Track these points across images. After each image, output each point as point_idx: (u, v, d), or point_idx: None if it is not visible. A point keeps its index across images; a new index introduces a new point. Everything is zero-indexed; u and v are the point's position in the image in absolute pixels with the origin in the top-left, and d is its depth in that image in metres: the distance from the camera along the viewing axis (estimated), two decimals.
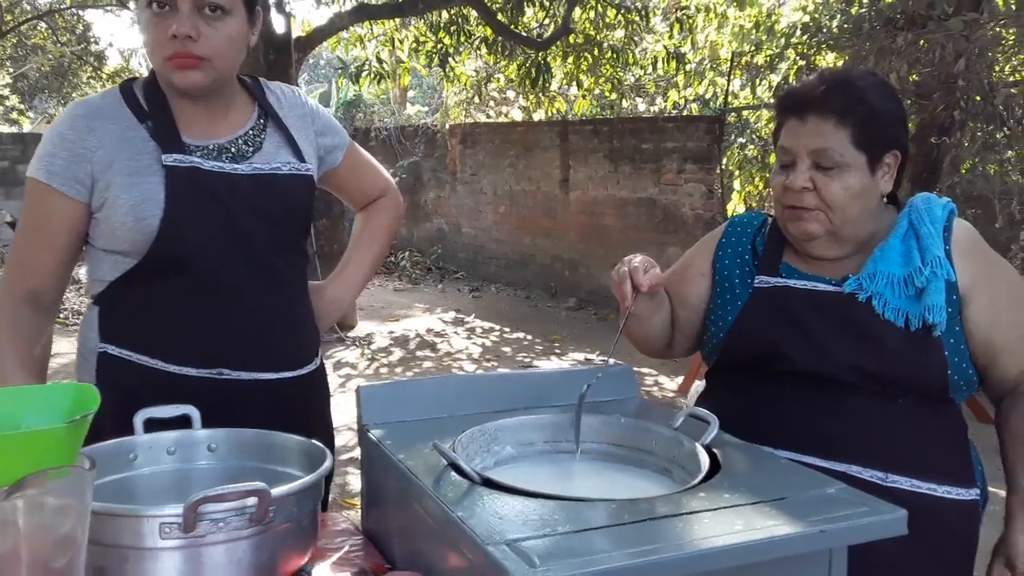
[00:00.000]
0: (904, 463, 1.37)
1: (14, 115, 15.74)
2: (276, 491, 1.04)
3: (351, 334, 7.52)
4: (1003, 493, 1.45)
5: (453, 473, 1.08)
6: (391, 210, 1.85)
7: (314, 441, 1.25)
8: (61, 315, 7.72)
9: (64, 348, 6.64)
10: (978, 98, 5.32)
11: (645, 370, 6.24)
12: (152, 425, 1.29)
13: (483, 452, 1.25)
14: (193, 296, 1.49)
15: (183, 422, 1.31)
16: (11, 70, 14.13)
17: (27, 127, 16.51)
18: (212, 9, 1.43)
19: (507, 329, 7.88)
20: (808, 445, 1.37)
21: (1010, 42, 5.65)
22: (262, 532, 1.05)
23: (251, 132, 1.57)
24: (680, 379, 5.91)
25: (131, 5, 11.85)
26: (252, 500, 1.02)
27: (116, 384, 1.46)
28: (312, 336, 1.67)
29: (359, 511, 1.38)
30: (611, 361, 1.42)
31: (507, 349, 7.14)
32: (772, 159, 8.02)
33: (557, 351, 7.06)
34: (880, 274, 1.41)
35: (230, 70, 1.51)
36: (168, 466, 1.27)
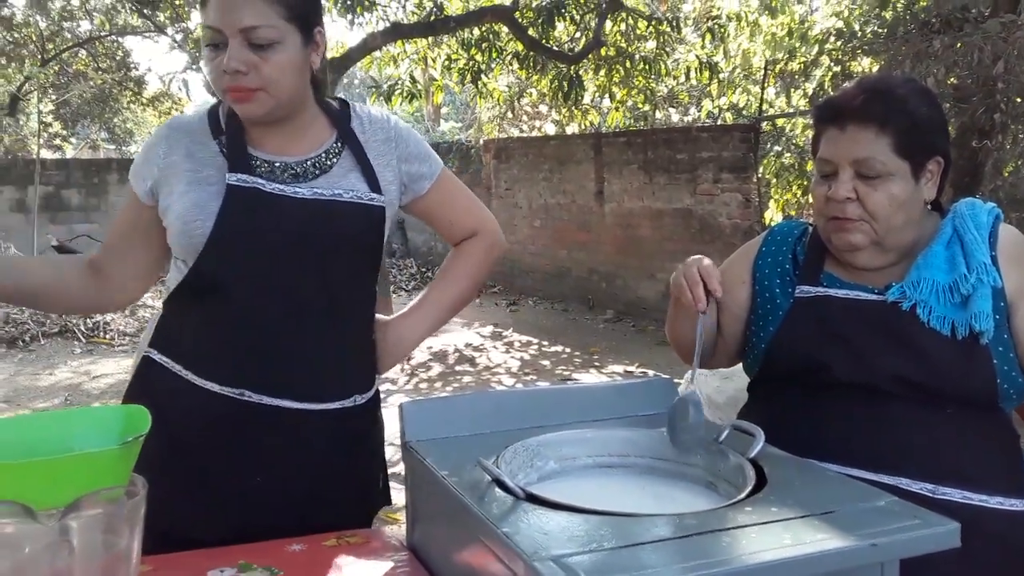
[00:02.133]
0: (954, 474, 1.34)
1: (57, 141, 16.08)
2: None
3: None
4: None
5: (497, 489, 1.08)
6: (480, 252, 1.74)
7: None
8: (107, 336, 7.85)
9: (111, 368, 6.78)
10: (1018, 100, 5.24)
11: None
12: None
13: (526, 467, 1.25)
14: (228, 314, 1.50)
15: None
16: (54, 97, 14.45)
17: (70, 153, 16.85)
18: (259, 44, 1.44)
19: (545, 343, 7.88)
20: (855, 458, 1.35)
21: None
22: None
23: (324, 154, 1.56)
24: None
25: (168, 31, 12.09)
26: None
27: (149, 387, 1.53)
28: (361, 371, 1.61)
29: (403, 526, 1.39)
30: (694, 378, 1.39)
31: (546, 363, 7.13)
32: (809, 166, 7.95)
33: (596, 364, 7.04)
34: (924, 282, 1.39)
35: (289, 97, 1.50)
36: None
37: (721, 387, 3.13)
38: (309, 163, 1.54)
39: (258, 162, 1.52)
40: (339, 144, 1.58)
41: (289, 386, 1.51)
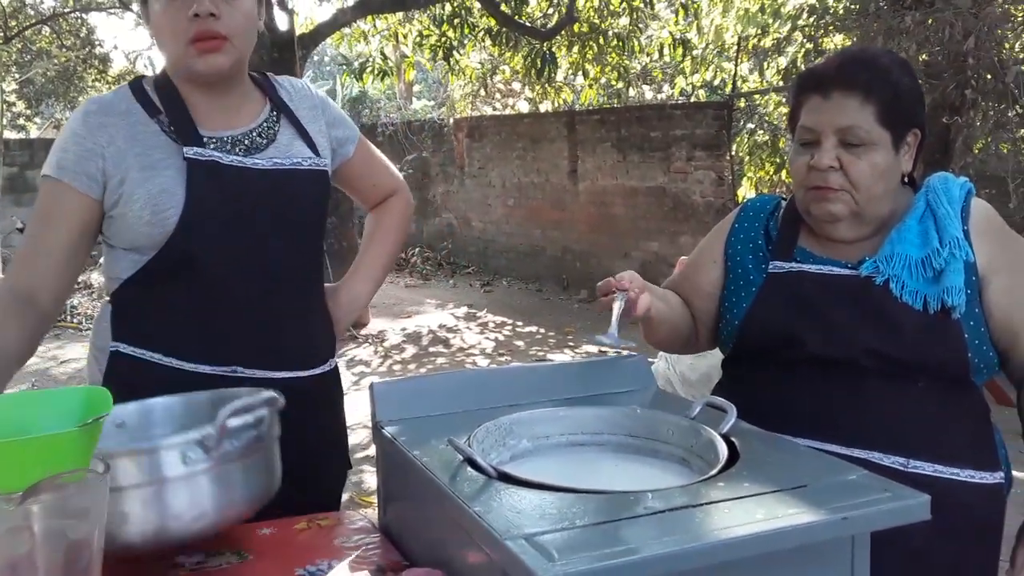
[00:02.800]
0: (926, 448, 1.35)
1: (21, 121, 15.78)
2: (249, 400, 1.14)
3: (364, 332, 7.54)
4: None
5: (469, 468, 1.07)
6: (402, 208, 1.82)
7: (266, 389, 1.23)
8: (74, 320, 7.75)
9: (79, 353, 6.68)
10: (989, 76, 5.28)
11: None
12: None
13: (499, 446, 1.23)
14: (205, 292, 1.47)
15: None
16: (17, 76, 14.16)
17: (34, 133, 16.55)
18: None
19: (519, 323, 7.88)
20: (828, 432, 1.35)
21: (1019, 19, 5.59)
22: (259, 451, 1.15)
23: (264, 124, 1.55)
24: None
25: (134, 7, 11.87)
26: (260, 413, 1.13)
27: (128, 382, 1.45)
28: (327, 336, 1.65)
29: (375, 509, 1.37)
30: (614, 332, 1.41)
31: (520, 343, 7.13)
32: (782, 144, 7.95)
33: (570, 343, 7.05)
34: (897, 256, 1.39)
35: (247, 52, 1.50)
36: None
37: (694, 364, 3.15)
38: (254, 134, 1.53)
39: (206, 138, 1.48)
40: (275, 114, 1.58)
41: (278, 355, 1.52)
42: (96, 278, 9.33)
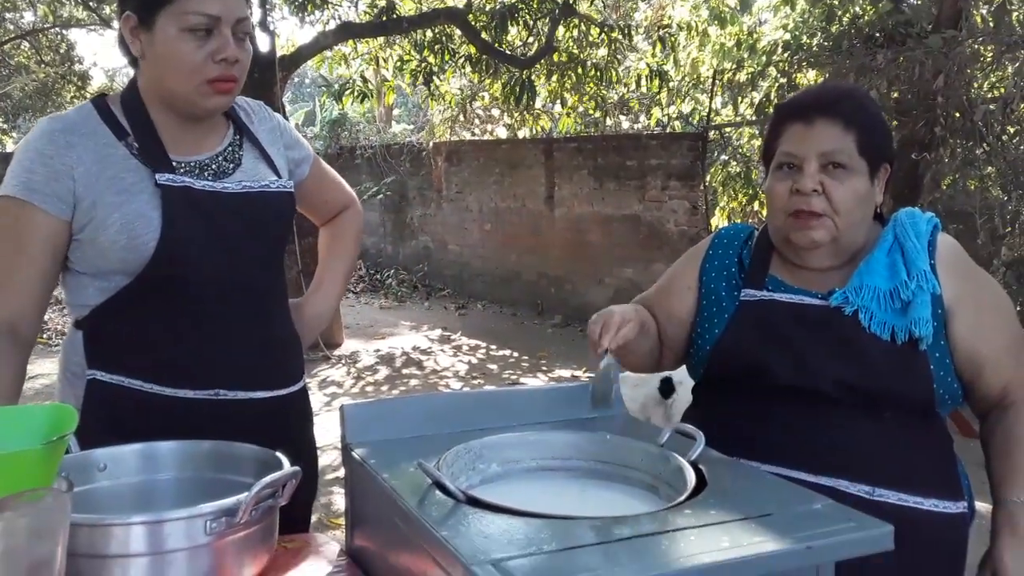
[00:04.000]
0: (891, 477, 1.37)
1: None
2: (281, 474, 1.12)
3: (337, 352, 7.49)
4: (989, 507, 1.45)
5: (438, 492, 1.07)
6: (356, 222, 1.86)
7: (268, 450, 1.23)
8: (44, 335, 7.65)
9: (48, 369, 6.59)
10: (957, 114, 5.38)
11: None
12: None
13: (468, 470, 1.23)
14: (187, 317, 1.46)
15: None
16: None
17: (10, 147, 16.42)
18: (243, 36, 1.46)
19: (493, 346, 7.87)
20: (795, 460, 1.37)
21: (988, 59, 5.72)
22: (271, 515, 1.13)
23: (229, 148, 1.56)
24: None
25: (115, 24, 11.83)
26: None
27: (108, 410, 1.44)
28: (298, 353, 1.66)
29: (344, 531, 1.37)
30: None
31: (493, 367, 7.12)
32: (755, 175, 8.02)
33: (543, 368, 7.05)
34: (866, 288, 1.41)
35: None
36: (126, 480, 1.25)
37: (632, 395, 3.17)
38: (220, 159, 1.54)
39: (176, 163, 1.48)
40: (238, 137, 1.59)
41: (256, 375, 1.52)
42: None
